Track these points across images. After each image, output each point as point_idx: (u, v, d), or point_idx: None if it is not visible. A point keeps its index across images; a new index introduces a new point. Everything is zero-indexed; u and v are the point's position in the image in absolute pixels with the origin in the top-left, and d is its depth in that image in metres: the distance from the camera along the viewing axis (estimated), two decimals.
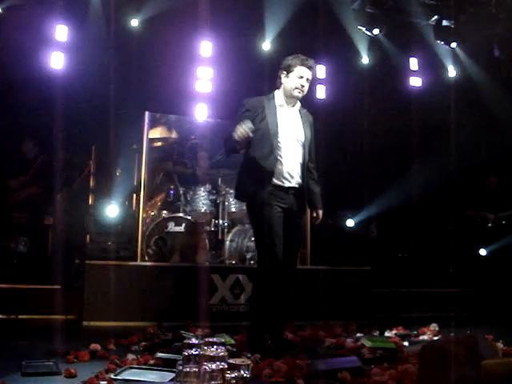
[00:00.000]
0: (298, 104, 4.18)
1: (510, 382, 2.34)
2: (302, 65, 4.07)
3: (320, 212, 4.25)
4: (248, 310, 5.24)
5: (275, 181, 3.96)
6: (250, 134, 3.78)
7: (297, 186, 4.04)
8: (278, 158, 3.96)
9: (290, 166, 4.01)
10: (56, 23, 6.38)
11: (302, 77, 4.06)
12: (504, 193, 7.23)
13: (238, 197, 4.30)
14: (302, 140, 4.10)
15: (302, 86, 4.07)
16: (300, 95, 4.11)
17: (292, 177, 4.02)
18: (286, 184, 3.99)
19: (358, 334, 4.72)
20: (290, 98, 4.12)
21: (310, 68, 4.09)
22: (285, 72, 4.11)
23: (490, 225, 7.12)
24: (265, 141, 3.96)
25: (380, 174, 7.47)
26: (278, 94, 4.13)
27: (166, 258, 5.87)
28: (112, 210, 6.11)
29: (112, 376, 3.11)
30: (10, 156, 6.17)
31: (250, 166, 3.99)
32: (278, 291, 3.92)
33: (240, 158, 4.22)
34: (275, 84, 4.18)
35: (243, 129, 3.75)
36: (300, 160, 4.07)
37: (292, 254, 4.08)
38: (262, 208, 3.90)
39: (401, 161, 7.58)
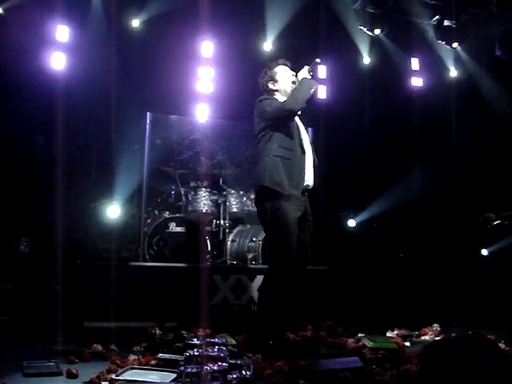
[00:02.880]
0: None
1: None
2: (278, 64, 4.25)
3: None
4: (250, 310, 5.27)
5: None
6: (318, 60, 4.15)
7: (311, 186, 4.07)
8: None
9: (309, 166, 4.04)
10: (57, 23, 6.37)
11: (286, 71, 4.21)
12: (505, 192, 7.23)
13: (269, 183, 4.03)
14: (310, 142, 4.17)
15: (294, 76, 4.20)
16: None
17: (309, 178, 4.04)
18: (305, 183, 4.01)
19: (360, 335, 4.71)
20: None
21: (285, 64, 4.26)
22: (271, 81, 4.22)
23: (493, 223, 7.11)
24: (294, 138, 4.02)
25: (381, 173, 7.46)
26: (280, 98, 4.15)
27: (168, 258, 5.87)
28: (113, 211, 6.11)
29: (113, 376, 3.11)
30: (11, 156, 6.16)
31: (280, 160, 3.96)
32: (288, 293, 3.92)
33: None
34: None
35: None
36: (311, 161, 4.10)
37: (303, 256, 4.08)
38: (283, 208, 3.89)
39: (402, 160, 7.56)
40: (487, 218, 7.22)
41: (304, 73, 4.12)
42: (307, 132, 4.31)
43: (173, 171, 6.80)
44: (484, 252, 6.96)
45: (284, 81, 4.18)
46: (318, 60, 4.15)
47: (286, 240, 3.88)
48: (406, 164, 7.51)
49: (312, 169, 4.10)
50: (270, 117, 4.03)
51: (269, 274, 4.03)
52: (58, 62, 6.36)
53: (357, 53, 7.69)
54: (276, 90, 4.20)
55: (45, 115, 6.10)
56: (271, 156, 3.98)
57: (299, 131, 4.07)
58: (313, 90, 4.08)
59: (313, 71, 4.15)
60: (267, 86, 4.23)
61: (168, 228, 6.00)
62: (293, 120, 4.04)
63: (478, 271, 6.67)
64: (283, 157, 3.96)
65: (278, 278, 3.88)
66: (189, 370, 2.72)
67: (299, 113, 4.18)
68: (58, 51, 6.38)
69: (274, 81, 4.21)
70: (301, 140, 4.05)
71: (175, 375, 3.07)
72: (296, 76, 4.18)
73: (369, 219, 7.31)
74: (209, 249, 6.15)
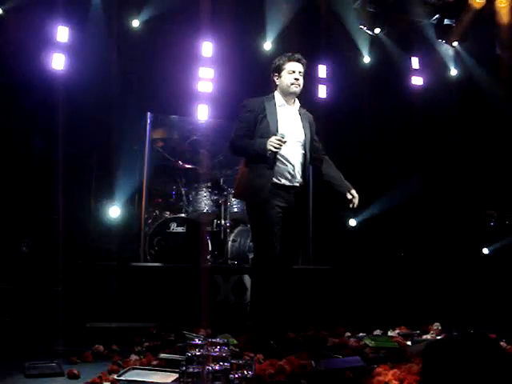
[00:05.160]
0: (298, 104, 4.21)
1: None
2: (290, 60, 4.14)
3: (353, 192, 4.18)
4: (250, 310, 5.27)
5: (276, 180, 3.96)
6: (284, 141, 3.87)
7: (298, 185, 4.06)
8: (279, 157, 3.97)
9: (291, 165, 4.03)
10: (57, 24, 6.37)
11: (293, 71, 4.12)
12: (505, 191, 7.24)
13: (237, 195, 4.28)
14: (302, 140, 4.13)
15: (297, 80, 4.12)
16: (298, 89, 4.15)
17: (293, 176, 4.03)
18: (287, 183, 4.01)
19: (361, 334, 4.71)
20: (288, 95, 4.16)
21: (298, 61, 4.15)
22: (276, 74, 4.19)
23: (492, 224, 7.12)
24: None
25: (382, 173, 7.46)
26: (278, 95, 4.16)
27: (169, 258, 5.86)
28: (114, 211, 6.11)
29: (115, 377, 3.11)
30: (11, 156, 6.16)
31: (251, 165, 4.00)
32: (276, 290, 3.92)
33: (239, 159, 4.25)
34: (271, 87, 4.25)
35: (278, 141, 3.84)
36: (301, 160, 4.09)
37: (289, 253, 4.08)
38: (262, 207, 3.90)
39: (402, 159, 7.57)
40: (489, 215, 7.22)
41: (272, 141, 3.89)
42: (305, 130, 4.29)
43: (173, 171, 6.80)
44: (485, 251, 6.96)
45: (285, 80, 4.12)
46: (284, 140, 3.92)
47: (266, 238, 3.89)
48: (406, 163, 7.51)
49: (300, 168, 4.08)
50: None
51: (253, 274, 4.06)
52: (58, 62, 6.35)
53: (357, 52, 7.68)
54: (277, 85, 4.19)
55: (45, 116, 6.11)
56: (242, 166, 4.08)
57: (273, 133, 3.97)
58: (255, 156, 3.96)
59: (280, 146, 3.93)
60: (272, 75, 4.21)
61: (169, 228, 5.99)
62: None
63: (480, 270, 6.67)
64: (252, 165, 3.99)
65: (260, 275, 3.90)
66: (190, 370, 2.72)
67: (298, 107, 4.18)
68: (58, 52, 6.38)
69: (279, 75, 4.16)
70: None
71: (177, 375, 3.07)
72: (300, 73, 4.13)
73: (370, 218, 7.31)
74: (210, 249, 6.15)
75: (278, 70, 4.15)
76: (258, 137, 3.98)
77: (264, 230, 3.91)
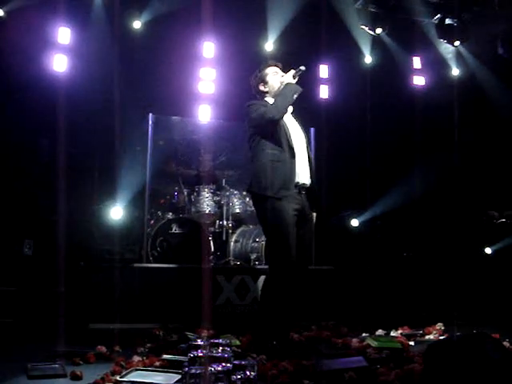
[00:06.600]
0: (291, 107, 4.21)
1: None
2: (268, 66, 4.26)
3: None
4: (254, 311, 5.27)
5: (297, 178, 3.97)
6: (302, 68, 4.06)
7: (308, 184, 4.06)
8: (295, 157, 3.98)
9: (302, 165, 4.03)
10: (58, 26, 6.37)
11: (276, 72, 4.22)
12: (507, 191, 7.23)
13: (254, 190, 4.14)
14: (305, 141, 4.15)
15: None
16: None
17: (304, 176, 4.04)
18: (300, 182, 4.01)
19: (364, 334, 4.70)
20: None
21: (276, 65, 4.26)
22: (262, 83, 4.24)
23: (495, 222, 7.10)
24: (281, 140, 3.99)
25: (384, 173, 7.45)
26: (271, 100, 4.15)
27: (171, 259, 5.86)
28: (116, 212, 6.11)
29: (118, 378, 3.11)
30: (13, 158, 6.17)
31: (269, 164, 3.95)
32: (290, 293, 3.91)
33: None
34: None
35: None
36: (307, 159, 4.10)
37: (304, 255, 4.08)
38: (278, 209, 3.88)
39: (404, 160, 7.56)
40: (490, 215, 7.21)
41: (289, 77, 4.10)
42: (307, 131, 4.31)
43: (175, 172, 6.81)
44: (488, 250, 6.95)
45: (273, 83, 4.19)
46: (302, 68, 4.09)
47: (283, 240, 3.87)
48: (408, 163, 7.50)
49: (307, 167, 4.09)
50: (254, 124, 4.04)
51: (269, 275, 4.04)
52: (59, 64, 6.36)
53: (358, 52, 7.68)
54: (266, 92, 4.23)
55: (47, 117, 6.11)
56: (258, 161, 4.01)
57: (288, 132, 4.02)
58: (296, 96, 4.04)
59: (298, 76, 4.10)
60: (258, 88, 4.26)
61: (171, 229, 5.99)
62: (277, 125, 3.99)
63: (482, 270, 6.66)
64: (271, 160, 3.94)
65: (279, 277, 3.88)
66: (193, 370, 2.72)
67: (290, 111, 4.18)
68: (60, 53, 6.38)
69: (264, 82, 4.23)
70: (289, 141, 3.99)
71: (179, 376, 3.07)
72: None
73: (372, 219, 7.30)
74: (212, 249, 6.15)
75: (262, 78, 4.24)
76: (276, 135, 3.97)
77: (281, 232, 3.88)
